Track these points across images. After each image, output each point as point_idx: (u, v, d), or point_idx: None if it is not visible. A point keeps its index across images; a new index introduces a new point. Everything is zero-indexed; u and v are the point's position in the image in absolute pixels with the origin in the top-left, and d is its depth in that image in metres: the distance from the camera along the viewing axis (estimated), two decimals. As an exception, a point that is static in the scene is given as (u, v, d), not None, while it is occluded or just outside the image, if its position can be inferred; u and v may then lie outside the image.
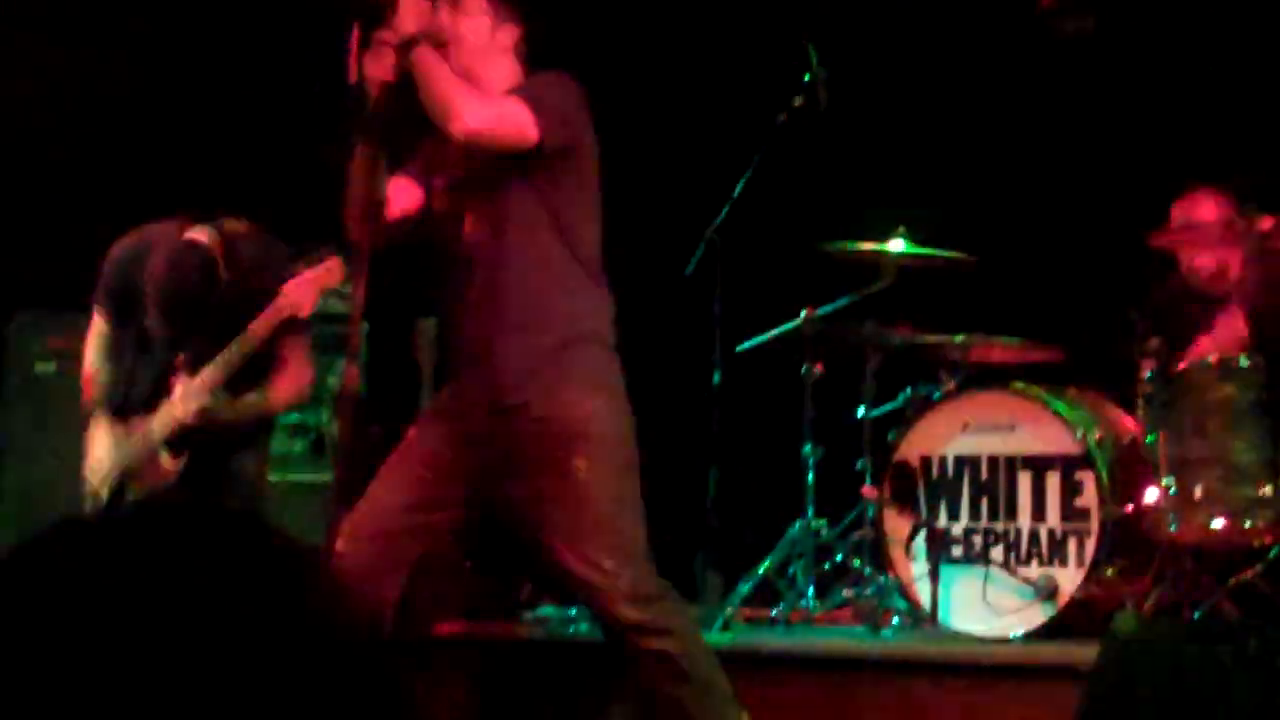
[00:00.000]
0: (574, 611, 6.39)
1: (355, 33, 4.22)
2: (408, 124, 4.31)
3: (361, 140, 4.30)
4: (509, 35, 4.53)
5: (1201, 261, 6.28)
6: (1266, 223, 5.73)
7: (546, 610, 6.67)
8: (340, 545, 4.35)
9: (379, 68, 4.22)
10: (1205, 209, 6.26)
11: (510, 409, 4.33)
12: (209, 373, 5.21)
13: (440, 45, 4.31)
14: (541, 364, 4.33)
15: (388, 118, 4.26)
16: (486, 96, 4.32)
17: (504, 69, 4.51)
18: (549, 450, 4.30)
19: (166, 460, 5.29)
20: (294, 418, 6.93)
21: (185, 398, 5.21)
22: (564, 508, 4.29)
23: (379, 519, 4.41)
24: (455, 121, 4.22)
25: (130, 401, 5.39)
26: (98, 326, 5.51)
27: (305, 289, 5.18)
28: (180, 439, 5.28)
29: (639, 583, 4.30)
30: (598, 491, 4.29)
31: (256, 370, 5.34)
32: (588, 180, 4.46)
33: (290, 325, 5.30)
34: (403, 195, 4.49)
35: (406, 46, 4.20)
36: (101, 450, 5.37)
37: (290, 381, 5.42)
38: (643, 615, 4.29)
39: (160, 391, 5.32)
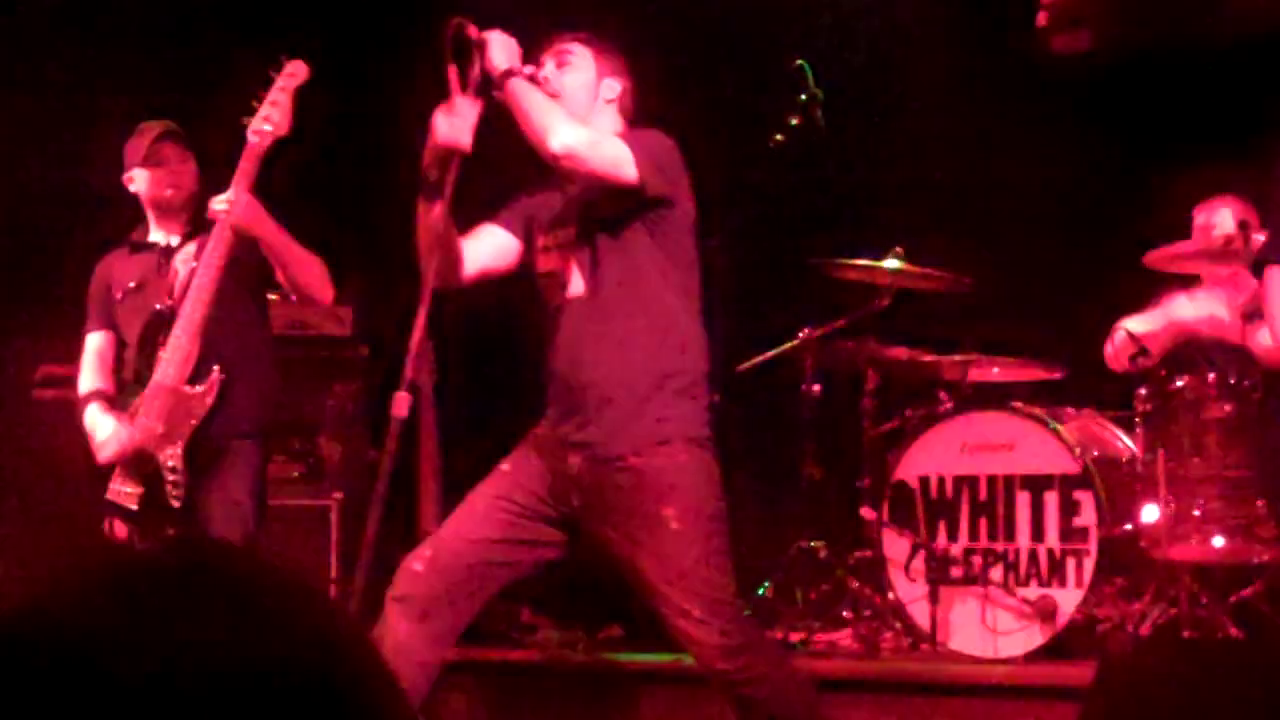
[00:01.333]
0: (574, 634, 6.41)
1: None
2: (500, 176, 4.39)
3: (427, 199, 4.35)
4: (613, 89, 4.57)
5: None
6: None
7: (547, 633, 6.66)
8: (416, 564, 4.36)
9: (451, 130, 4.26)
10: (1224, 215, 6.26)
11: (607, 459, 4.34)
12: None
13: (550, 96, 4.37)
14: (640, 414, 4.33)
15: (454, 181, 4.31)
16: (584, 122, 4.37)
17: (607, 123, 4.54)
18: (642, 500, 4.30)
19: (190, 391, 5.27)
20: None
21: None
22: (655, 557, 4.29)
23: (462, 548, 4.41)
24: (551, 139, 4.24)
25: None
26: (95, 344, 5.57)
27: (275, 105, 5.22)
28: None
29: (729, 633, 4.30)
30: (688, 542, 4.29)
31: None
32: (687, 232, 4.48)
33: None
34: (499, 255, 4.55)
35: (500, 81, 4.24)
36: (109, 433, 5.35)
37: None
38: (732, 665, 4.30)
39: (150, 361, 5.32)
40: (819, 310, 6.79)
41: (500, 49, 4.29)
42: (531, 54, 4.47)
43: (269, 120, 5.23)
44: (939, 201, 7.59)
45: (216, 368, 5.26)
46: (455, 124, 4.28)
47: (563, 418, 4.45)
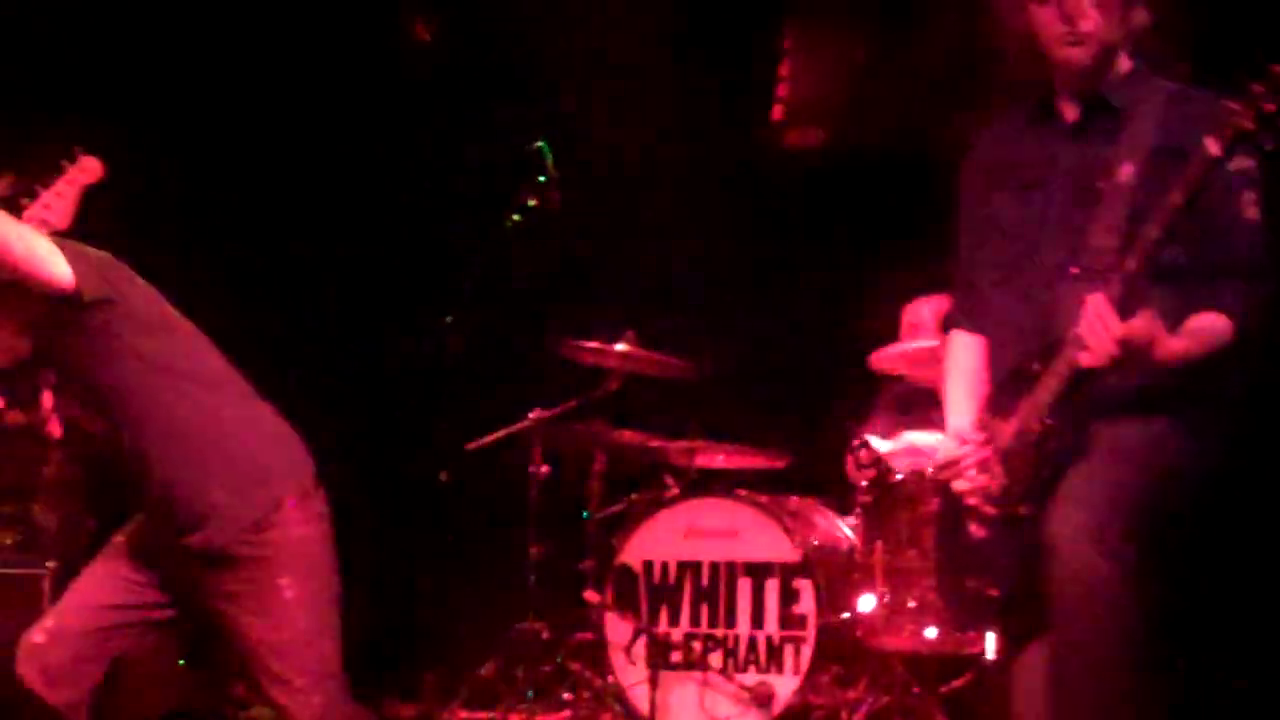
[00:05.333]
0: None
1: None
2: None
3: None
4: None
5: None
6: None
7: (260, 710, 6.55)
8: (40, 638, 4.24)
9: None
10: (924, 314, 6.47)
11: (217, 555, 4.23)
12: None
13: None
14: (235, 505, 4.23)
15: None
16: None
17: None
18: (257, 572, 4.21)
19: None
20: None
21: None
22: (265, 624, 4.20)
23: (81, 615, 4.30)
24: None
25: None
26: None
27: (59, 196, 4.96)
28: None
29: (328, 709, 4.23)
30: (301, 612, 4.22)
31: None
32: (165, 322, 4.30)
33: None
34: None
35: None
36: None
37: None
38: None
39: None
40: (549, 392, 6.80)
41: None
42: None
43: (49, 210, 4.84)
44: (671, 288, 7.67)
45: None
46: None
47: (162, 523, 4.30)
